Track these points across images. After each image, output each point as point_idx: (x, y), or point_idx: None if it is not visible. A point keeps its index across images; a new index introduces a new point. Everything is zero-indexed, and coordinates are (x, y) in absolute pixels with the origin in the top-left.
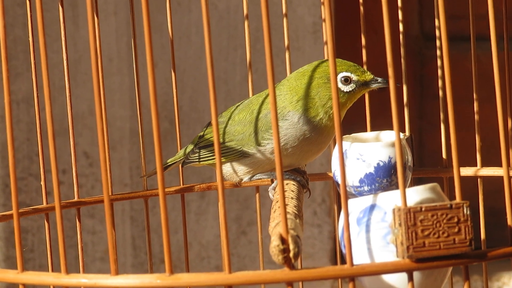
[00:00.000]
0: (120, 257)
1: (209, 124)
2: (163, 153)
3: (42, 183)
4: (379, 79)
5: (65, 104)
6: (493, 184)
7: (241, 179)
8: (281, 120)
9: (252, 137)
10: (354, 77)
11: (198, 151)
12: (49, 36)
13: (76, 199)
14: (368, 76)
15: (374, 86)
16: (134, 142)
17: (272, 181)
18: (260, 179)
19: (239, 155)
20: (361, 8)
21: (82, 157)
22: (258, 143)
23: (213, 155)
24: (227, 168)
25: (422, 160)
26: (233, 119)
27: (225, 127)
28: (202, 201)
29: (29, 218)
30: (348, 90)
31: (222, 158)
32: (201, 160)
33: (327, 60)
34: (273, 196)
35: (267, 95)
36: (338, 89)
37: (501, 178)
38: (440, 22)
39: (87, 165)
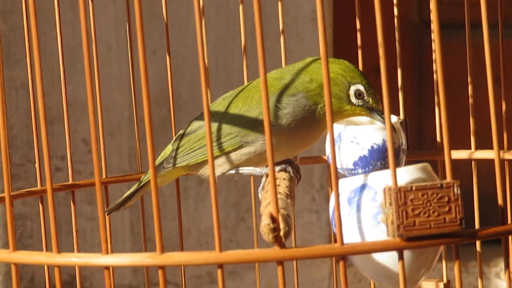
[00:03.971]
0: (119, 243)
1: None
2: (161, 139)
3: (37, 165)
4: (380, 117)
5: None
6: (491, 169)
7: (226, 171)
8: (291, 96)
9: (256, 125)
10: (366, 96)
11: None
12: (48, 22)
13: (70, 181)
14: (377, 104)
15: (374, 117)
16: (133, 129)
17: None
18: (247, 174)
19: (238, 146)
20: None
21: (81, 144)
22: (260, 131)
23: (202, 152)
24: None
25: (420, 144)
26: (228, 110)
27: (218, 121)
28: (200, 187)
29: (28, 204)
30: (356, 104)
31: (216, 150)
32: (183, 161)
33: (348, 64)
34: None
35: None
36: (348, 96)
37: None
38: (432, 5)
39: (86, 151)
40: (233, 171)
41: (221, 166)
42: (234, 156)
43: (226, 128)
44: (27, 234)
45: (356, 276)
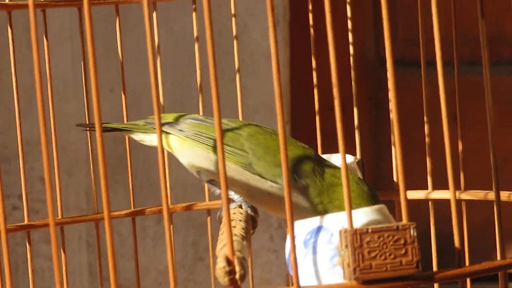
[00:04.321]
0: (77, 284)
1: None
2: (119, 177)
3: None
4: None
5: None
6: (448, 209)
7: (206, 179)
8: (306, 178)
9: (271, 166)
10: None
11: (189, 123)
12: (3, 60)
13: (26, 222)
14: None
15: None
16: (90, 167)
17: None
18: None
19: (240, 165)
20: (311, 30)
21: (39, 183)
22: (274, 176)
23: (210, 140)
24: (201, 160)
25: (378, 183)
26: (254, 136)
27: (236, 133)
28: (158, 226)
29: None
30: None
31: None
32: (188, 136)
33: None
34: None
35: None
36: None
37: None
38: (385, 41)
39: (44, 190)
40: (213, 183)
41: (213, 171)
42: (232, 170)
43: (241, 145)
44: None
45: None
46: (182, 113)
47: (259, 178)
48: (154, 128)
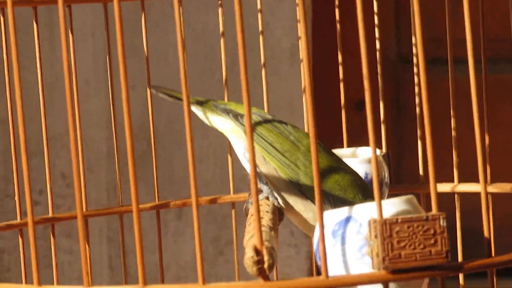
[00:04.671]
0: (97, 278)
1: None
2: (140, 174)
3: (16, 198)
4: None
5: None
6: (472, 204)
7: (264, 182)
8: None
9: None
10: None
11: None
12: (27, 57)
13: (50, 215)
14: None
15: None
16: (111, 163)
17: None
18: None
19: (288, 177)
20: (338, 25)
21: (60, 178)
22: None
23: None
24: (261, 163)
25: (400, 181)
26: (300, 141)
27: (295, 145)
28: (179, 221)
29: (5, 237)
30: None
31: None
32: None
33: None
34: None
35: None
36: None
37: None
38: (417, 37)
39: (65, 186)
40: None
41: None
42: (280, 179)
43: (296, 159)
44: (4, 268)
45: None
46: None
47: (300, 194)
48: (224, 115)
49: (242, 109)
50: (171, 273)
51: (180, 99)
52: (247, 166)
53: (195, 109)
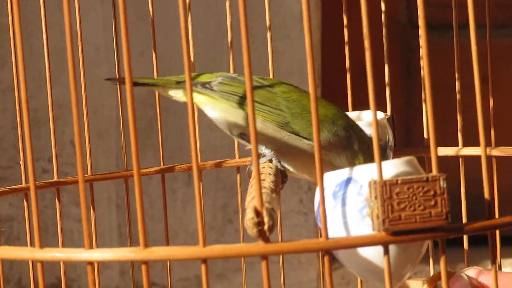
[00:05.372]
0: (106, 245)
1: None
2: (149, 141)
3: (21, 163)
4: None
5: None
6: (478, 170)
7: (236, 134)
8: (343, 131)
9: (308, 125)
10: None
11: (221, 82)
12: (35, 23)
13: (55, 179)
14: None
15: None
16: (121, 131)
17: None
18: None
19: (277, 124)
20: None
21: (69, 146)
22: (310, 134)
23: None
24: (233, 116)
25: (409, 145)
26: (289, 94)
27: (270, 92)
28: (188, 188)
29: (15, 205)
30: None
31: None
32: (222, 96)
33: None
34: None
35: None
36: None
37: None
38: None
39: (73, 153)
40: (243, 138)
41: (245, 127)
42: (269, 129)
43: (277, 104)
44: (14, 235)
45: (344, 278)
46: (214, 73)
47: (295, 137)
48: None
49: (208, 78)
50: (180, 240)
51: (149, 84)
52: (225, 129)
53: (165, 92)
